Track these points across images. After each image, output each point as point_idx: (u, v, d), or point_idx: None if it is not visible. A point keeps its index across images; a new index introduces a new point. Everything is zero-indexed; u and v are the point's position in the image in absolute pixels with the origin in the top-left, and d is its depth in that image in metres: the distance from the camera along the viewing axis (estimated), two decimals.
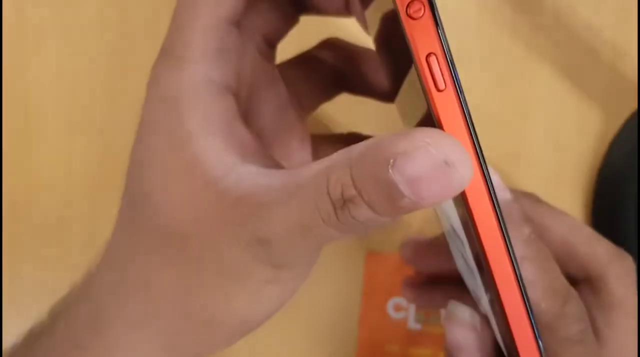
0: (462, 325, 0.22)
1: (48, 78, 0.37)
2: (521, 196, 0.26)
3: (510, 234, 0.21)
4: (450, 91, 0.16)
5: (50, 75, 0.37)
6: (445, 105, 0.16)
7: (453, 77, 0.16)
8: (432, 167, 0.14)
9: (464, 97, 0.16)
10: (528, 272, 0.21)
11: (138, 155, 0.19)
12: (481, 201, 0.17)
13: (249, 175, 0.17)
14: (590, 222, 0.37)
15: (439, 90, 0.16)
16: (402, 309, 0.36)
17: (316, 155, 0.23)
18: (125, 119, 0.38)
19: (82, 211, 0.37)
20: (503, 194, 0.22)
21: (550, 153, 0.38)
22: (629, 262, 0.25)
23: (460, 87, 0.16)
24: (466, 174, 0.15)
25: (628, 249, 0.35)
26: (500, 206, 0.21)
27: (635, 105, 0.37)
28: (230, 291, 0.18)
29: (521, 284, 0.18)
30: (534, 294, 0.21)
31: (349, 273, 0.37)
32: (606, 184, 0.36)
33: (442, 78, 0.15)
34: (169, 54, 0.19)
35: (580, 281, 0.25)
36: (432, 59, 0.15)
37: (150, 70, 0.20)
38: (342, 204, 0.15)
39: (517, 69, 0.37)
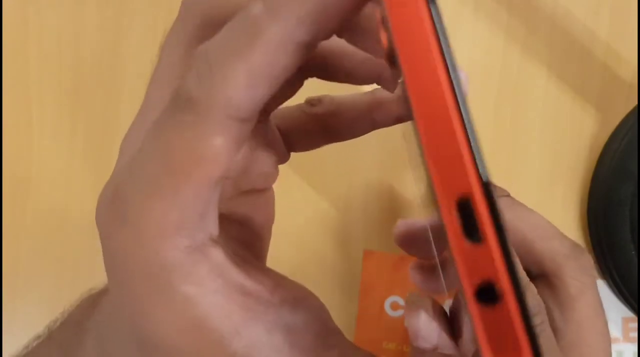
0: (421, 315, 0.21)
1: (49, 71, 0.38)
2: None
3: None
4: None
5: (51, 68, 0.38)
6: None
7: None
8: None
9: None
10: None
11: (140, 318, 0.17)
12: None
13: (259, 345, 0.17)
14: (586, 222, 0.38)
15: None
16: (399, 308, 0.37)
17: (288, 144, 0.23)
18: (126, 114, 0.38)
19: (84, 208, 0.37)
20: None
21: (545, 154, 0.38)
22: (585, 258, 0.25)
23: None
24: None
25: (622, 248, 0.36)
26: None
27: (630, 107, 0.37)
28: None
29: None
30: None
31: (347, 272, 0.37)
32: (601, 184, 0.37)
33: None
34: (134, 225, 0.16)
35: (536, 276, 0.26)
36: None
37: (101, 227, 0.17)
38: None
39: (513, 71, 0.38)
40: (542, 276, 0.25)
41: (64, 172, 0.38)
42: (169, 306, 0.17)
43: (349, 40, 0.18)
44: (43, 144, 0.38)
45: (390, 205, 0.37)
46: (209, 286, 0.17)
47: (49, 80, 0.37)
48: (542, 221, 0.26)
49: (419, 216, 0.28)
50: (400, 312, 0.36)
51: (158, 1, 0.37)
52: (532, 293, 0.22)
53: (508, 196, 0.27)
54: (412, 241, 0.25)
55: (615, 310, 0.37)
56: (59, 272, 0.37)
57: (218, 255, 0.17)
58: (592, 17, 0.38)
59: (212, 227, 0.18)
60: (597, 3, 0.38)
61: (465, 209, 0.13)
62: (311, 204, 0.37)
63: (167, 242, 0.16)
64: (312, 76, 0.21)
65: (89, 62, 0.38)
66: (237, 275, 0.18)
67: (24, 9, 0.37)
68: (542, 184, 0.38)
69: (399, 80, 0.14)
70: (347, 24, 0.17)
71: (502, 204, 0.25)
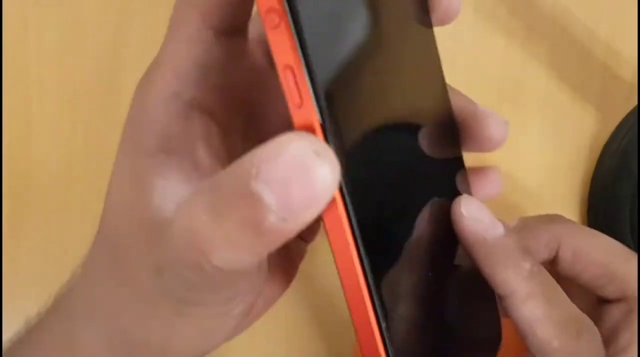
0: None
1: (49, 71, 0.38)
2: (546, 220, 0.25)
3: (510, 272, 0.20)
4: (309, 107, 0.15)
5: (51, 68, 0.38)
6: (303, 121, 0.15)
7: (311, 93, 0.15)
8: (296, 166, 0.14)
9: (327, 111, 0.15)
10: (534, 310, 0.20)
11: (114, 167, 0.19)
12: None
13: (170, 197, 0.17)
14: (586, 222, 0.38)
15: (295, 105, 0.15)
16: None
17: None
18: (125, 114, 0.38)
19: (84, 208, 0.37)
20: (494, 231, 0.20)
21: (545, 154, 0.38)
22: None
23: (319, 102, 0.15)
24: (327, 173, 0.14)
25: None
26: (494, 243, 0.20)
27: (630, 107, 0.37)
28: (144, 316, 0.18)
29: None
30: (544, 332, 0.20)
31: None
32: (601, 184, 0.37)
33: (298, 94, 0.15)
34: (154, 63, 0.18)
35: (614, 299, 0.25)
36: (289, 72, 0.15)
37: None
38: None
39: (513, 71, 0.38)
40: (621, 300, 0.25)
41: (64, 172, 0.38)
42: (131, 153, 0.18)
43: None
44: (43, 144, 0.38)
45: None
46: (165, 146, 0.17)
47: (49, 80, 0.37)
48: (613, 242, 0.25)
49: None
50: None
51: (158, 1, 0.37)
52: (589, 331, 0.21)
53: (566, 221, 0.26)
54: None
55: None
56: (59, 272, 0.37)
57: (194, 123, 0.18)
58: (592, 17, 0.38)
59: (205, 93, 0.18)
60: (597, 3, 0.38)
61: None
62: None
63: (161, 80, 0.18)
64: None
65: (89, 62, 0.38)
66: (200, 151, 0.18)
67: (24, 9, 0.37)
68: (543, 183, 0.38)
69: None
70: None
71: (569, 231, 0.25)
